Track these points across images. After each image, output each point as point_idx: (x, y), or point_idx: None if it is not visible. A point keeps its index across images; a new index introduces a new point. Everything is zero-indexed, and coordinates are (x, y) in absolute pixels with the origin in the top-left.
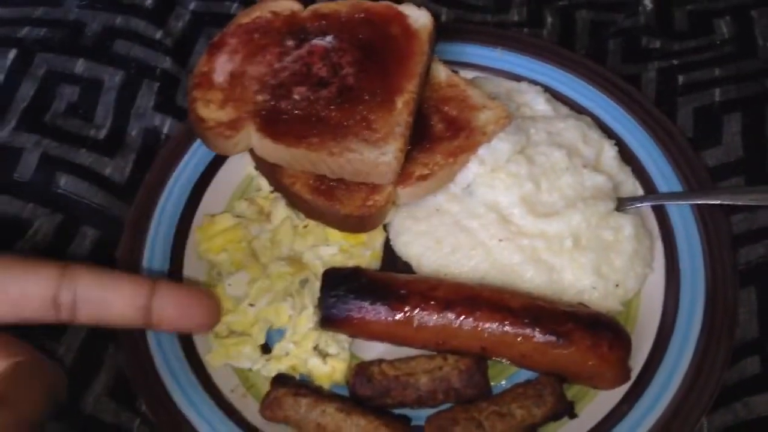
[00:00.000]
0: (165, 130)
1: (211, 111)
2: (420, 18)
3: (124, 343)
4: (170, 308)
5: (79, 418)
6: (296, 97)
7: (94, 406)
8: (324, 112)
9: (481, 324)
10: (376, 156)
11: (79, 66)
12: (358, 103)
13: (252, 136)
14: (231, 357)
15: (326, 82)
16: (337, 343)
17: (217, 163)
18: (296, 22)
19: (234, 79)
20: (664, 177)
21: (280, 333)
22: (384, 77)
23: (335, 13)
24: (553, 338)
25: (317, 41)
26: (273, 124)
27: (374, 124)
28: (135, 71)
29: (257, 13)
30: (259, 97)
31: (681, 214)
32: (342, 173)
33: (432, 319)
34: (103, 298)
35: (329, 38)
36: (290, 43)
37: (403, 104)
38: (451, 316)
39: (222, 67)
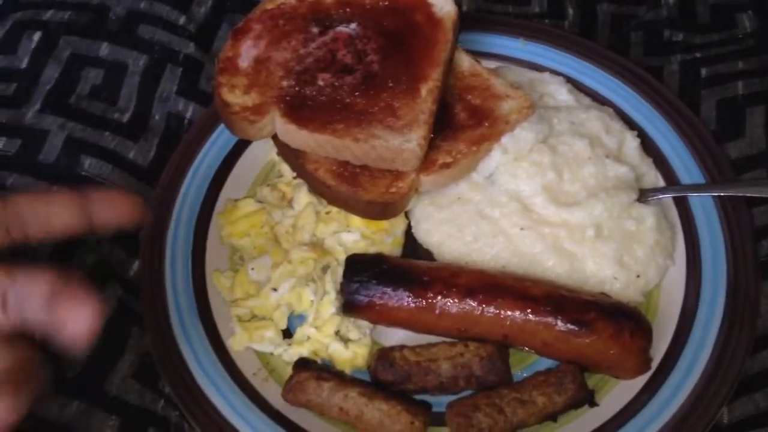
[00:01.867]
0: (188, 114)
1: (236, 96)
2: (444, 6)
3: (148, 326)
4: (106, 208)
5: (104, 399)
6: (321, 83)
7: (119, 387)
8: (348, 98)
9: (503, 312)
10: (401, 143)
11: (104, 49)
12: (382, 90)
13: (276, 121)
14: (253, 341)
15: (351, 69)
16: (358, 329)
17: (239, 148)
18: (321, 8)
19: (259, 65)
20: (687, 168)
21: (302, 318)
22: (408, 65)
23: (360, 1)
24: (575, 327)
25: (342, 28)
26: (298, 110)
27: (399, 111)
28: (158, 56)
29: None
30: (284, 83)
31: (703, 205)
32: (366, 159)
33: (454, 306)
34: (47, 213)
35: (354, 25)
36: (315, 29)
37: (427, 92)
38: (473, 303)
39: (247, 52)
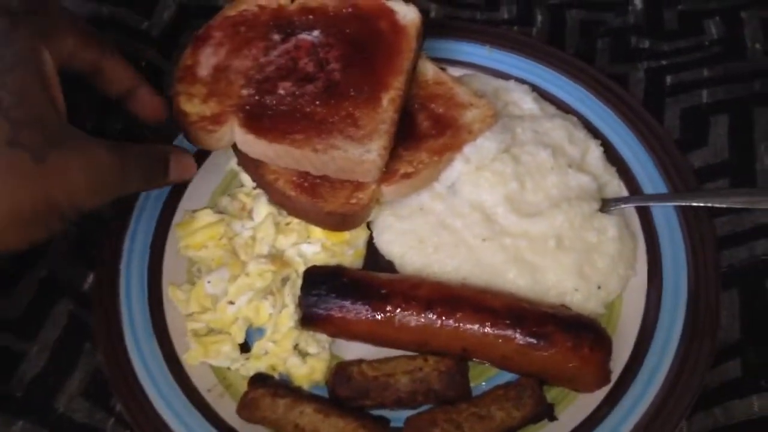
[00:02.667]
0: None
1: (194, 105)
2: (408, 14)
3: (100, 342)
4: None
5: (51, 417)
6: (281, 92)
7: (67, 405)
8: (309, 107)
9: (462, 325)
10: (361, 153)
11: None
12: (343, 100)
13: (235, 131)
14: (209, 356)
15: (312, 78)
16: (317, 343)
17: (199, 158)
18: (283, 15)
19: (218, 73)
20: (650, 178)
21: (260, 332)
22: (371, 73)
23: (323, 8)
24: (534, 340)
25: (304, 36)
26: (257, 120)
27: (359, 121)
28: None
29: (243, 6)
30: (244, 92)
31: (665, 215)
32: (325, 170)
33: (413, 319)
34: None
35: (316, 33)
36: (276, 37)
37: (389, 101)
38: (432, 316)
39: (207, 60)
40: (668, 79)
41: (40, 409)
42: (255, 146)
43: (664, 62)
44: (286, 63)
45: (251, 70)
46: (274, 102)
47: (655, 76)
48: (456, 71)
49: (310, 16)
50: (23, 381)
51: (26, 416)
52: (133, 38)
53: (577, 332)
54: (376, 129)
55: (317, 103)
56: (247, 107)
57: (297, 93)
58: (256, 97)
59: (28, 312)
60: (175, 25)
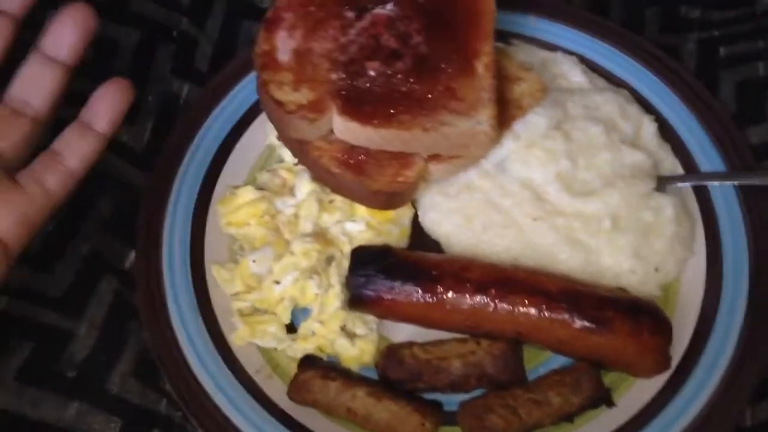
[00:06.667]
0: (183, 95)
1: (286, 93)
2: None
3: (147, 321)
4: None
5: (105, 399)
6: (372, 73)
7: (120, 386)
8: (405, 86)
9: (516, 308)
10: (472, 126)
11: None
12: (437, 73)
13: (335, 120)
14: (256, 336)
15: (399, 54)
16: (364, 324)
17: (237, 131)
18: None
19: (301, 57)
20: (706, 155)
21: (306, 312)
22: (456, 42)
23: None
24: (592, 325)
25: (378, 10)
26: (357, 105)
27: (459, 93)
28: (151, 32)
29: None
30: (333, 76)
31: (723, 194)
32: (437, 149)
33: (465, 301)
34: None
35: (390, 6)
36: (350, 14)
37: (483, 68)
38: (485, 298)
39: (284, 44)
40: (722, 51)
41: (94, 391)
42: (359, 133)
43: (716, 33)
44: (368, 41)
45: (334, 52)
46: (368, 84)
47: (707, 47)
48: (498, 42)
49: None
50: (74, 361)
51: (80, 398)
52: (162, 7)
53: (636, 317)
54: (479, 98)
55: (411, 80)
56: (343, 92)
57: (388, 72)
58: (348, 81)
59: (72, 290)
60: None
